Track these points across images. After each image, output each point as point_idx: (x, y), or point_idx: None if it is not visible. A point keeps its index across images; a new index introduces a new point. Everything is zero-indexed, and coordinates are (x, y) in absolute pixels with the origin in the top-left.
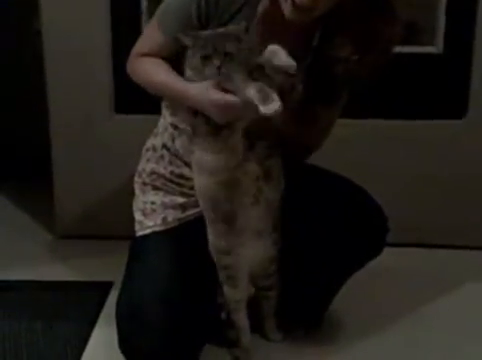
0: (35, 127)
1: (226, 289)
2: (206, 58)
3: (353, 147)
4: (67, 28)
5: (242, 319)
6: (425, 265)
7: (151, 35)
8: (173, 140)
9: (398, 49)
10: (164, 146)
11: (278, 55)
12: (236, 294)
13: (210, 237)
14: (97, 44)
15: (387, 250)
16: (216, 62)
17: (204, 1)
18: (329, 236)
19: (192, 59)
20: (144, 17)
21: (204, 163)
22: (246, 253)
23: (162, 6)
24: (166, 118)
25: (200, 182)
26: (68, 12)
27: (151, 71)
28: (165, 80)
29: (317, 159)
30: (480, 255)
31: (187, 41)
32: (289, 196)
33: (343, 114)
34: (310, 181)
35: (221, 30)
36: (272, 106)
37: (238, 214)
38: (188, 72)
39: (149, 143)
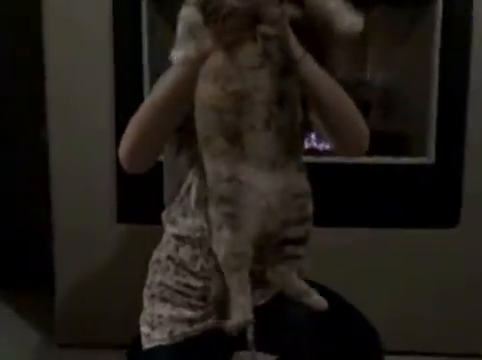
0: (37, 237)
1: (225, 234)
2: None
3: (350, 255)
4: (73, 141)
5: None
6: None
7: None
8: (177, 250)
9: (391, 161)
10: (169, 257)
11: None
12: (237, 242)
13: (207, 165)
14: (101, 157)
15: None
16: None
17: None
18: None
19: None
20: None
21: (212, 63)
22: (254, 185)
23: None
24: (167, 230)
25: (203, 89)
26: (74, 125)
27: (153, 93)
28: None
29: (315, 265)
30: None
31: None
32: (285, 310)
33: (340, 223)
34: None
35: None
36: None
37: (245, 137)
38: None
39: (155, 256)
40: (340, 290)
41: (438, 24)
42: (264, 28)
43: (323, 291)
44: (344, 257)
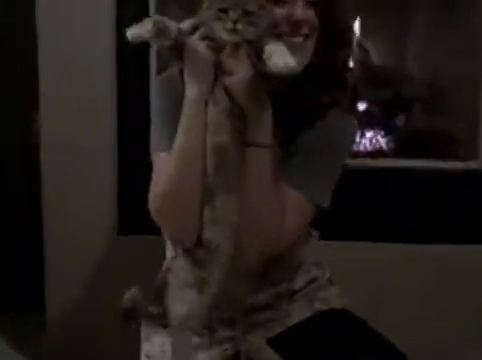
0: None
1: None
2: (223, 11)
3: (391, 272)
4: (68, 160)
5: None
6: None
7: (160, 166)
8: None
9: (437, 164)
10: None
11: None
12: (203, 301)
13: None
14: (103, 170)
15: None
16: (233, 15)
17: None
18: None
19: (205, 12)
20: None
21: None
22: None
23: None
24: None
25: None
26: (69, 148)
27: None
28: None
29: (352, 281)
30: None
31: None
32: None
33: (379, 238)
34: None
35: None
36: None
37: (217, 196)
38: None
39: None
40: (369, 306)
41: None
42: (226, 79)
43: (350, 318)
44: (384, 274)
